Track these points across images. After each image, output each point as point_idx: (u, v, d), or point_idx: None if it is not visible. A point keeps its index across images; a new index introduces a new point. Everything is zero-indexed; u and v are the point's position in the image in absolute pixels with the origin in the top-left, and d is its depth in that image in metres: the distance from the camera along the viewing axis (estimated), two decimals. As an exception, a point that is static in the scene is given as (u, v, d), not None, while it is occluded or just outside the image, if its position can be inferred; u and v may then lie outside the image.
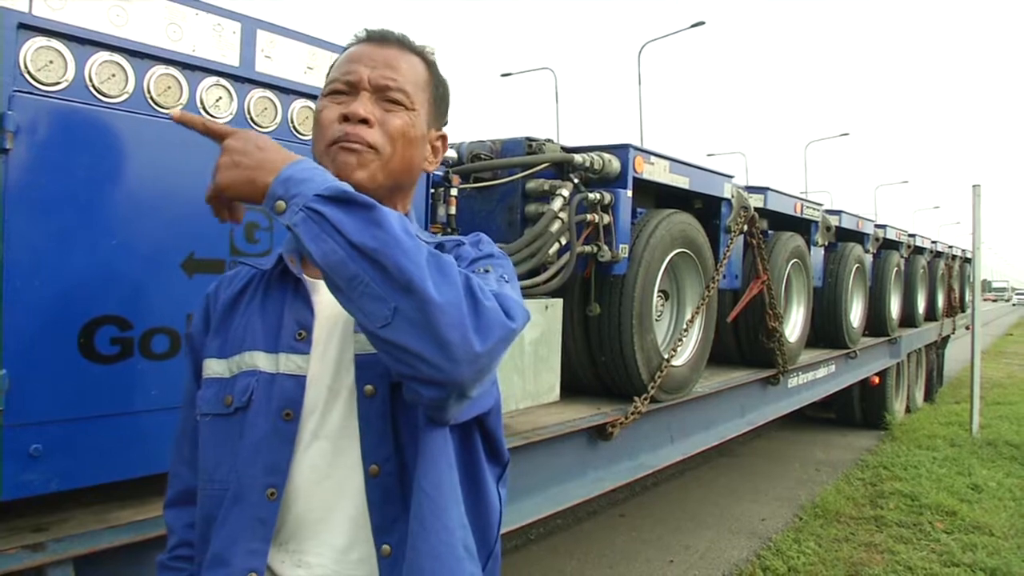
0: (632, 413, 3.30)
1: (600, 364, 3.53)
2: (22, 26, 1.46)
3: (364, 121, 1.08)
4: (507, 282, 1.05)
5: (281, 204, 0.91)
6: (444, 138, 1.24)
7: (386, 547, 1.03)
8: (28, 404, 1.47)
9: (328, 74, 1.17)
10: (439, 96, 1.21)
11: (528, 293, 2.89)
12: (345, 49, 1.18)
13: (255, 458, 1.04)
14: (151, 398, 1.64)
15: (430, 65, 1.19)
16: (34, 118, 1.47)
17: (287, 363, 1.07)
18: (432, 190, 2.57)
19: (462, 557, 1.05)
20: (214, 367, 1.12)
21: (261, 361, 1.08)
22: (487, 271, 1.05)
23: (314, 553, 1.04)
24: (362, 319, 0.89)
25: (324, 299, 0.96)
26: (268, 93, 1.85)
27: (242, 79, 1.80)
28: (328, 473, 1.05)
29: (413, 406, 1.01)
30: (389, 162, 1.10)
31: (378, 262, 0.86)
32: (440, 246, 1.14)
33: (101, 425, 1.58)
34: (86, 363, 1.55)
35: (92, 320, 1.56)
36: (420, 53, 1.18)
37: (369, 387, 1.04)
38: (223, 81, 1.76)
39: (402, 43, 1.16)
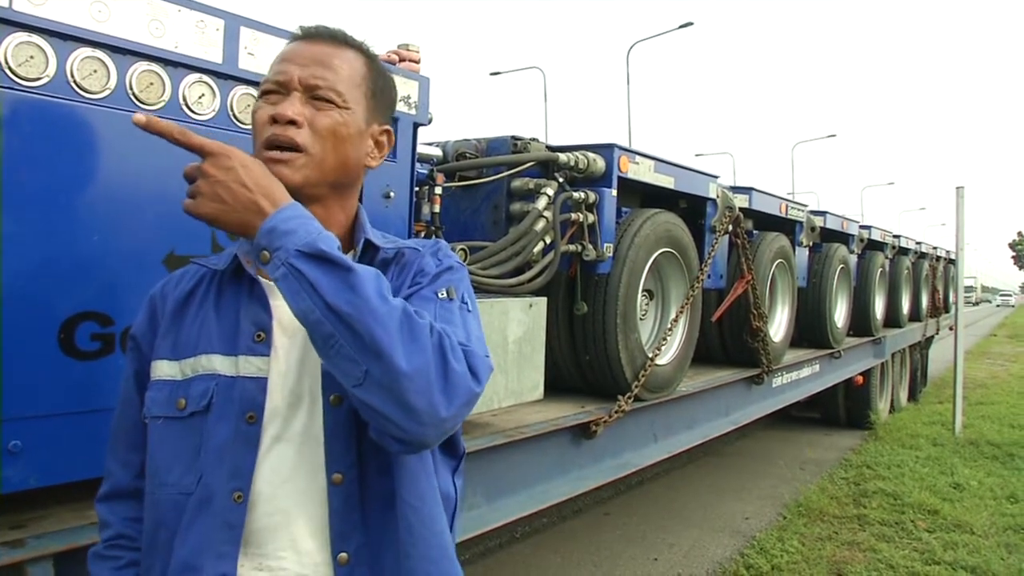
0: (616, 412, 3.31)
1: (584, 363, 3.54)
2: (2, 21, 1.45)
3: (292, 122, 1.07)
4: (469, 311, 1.09)
5: (266, 255, 0.93)
6: (388, 132, 1.21)
7: (343, 555, 1.04)
8: (7, 400, 1.47)
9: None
10: (379, 89, 1.18)
11: (512, 291, 2.90)
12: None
13: (220, 462, 1.04)
14: (132, 394, 1.64)
15: (369, 59, 1.17)
16: (14, 114, 1.47)
17: (247, 366, 1.07)
18: (417, 188, 2.57)
19: (454, 558, 1.13)
20: (165, 369, 1.10)
21: (219, 364, 1.07)
22: (450, 297, 1.07)
23: (276, 557, 1.04)
24: (339, 376, 0.93)
25: (282, 303, 0.96)
26: (251, 90, 1.85)
27: (225, 76, 1.80)
28: (289, 477, 1.05)
29: None
30: (322, 162, 1.08)
31: (351, 327, 0.89)
32: (399, 254, 1.14)
33: (81, 421, 1.57)
34: (66, 359, 1.55)
35: (73, 316, 1.56)
36: (357, 47, 1.16)
37: (334, 397, 1.05)
38: (206, 78, 1.76)
39: (336, 39, 1.14)
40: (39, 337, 1.51)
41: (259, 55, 1.85)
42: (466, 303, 1.09)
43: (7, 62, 1.46)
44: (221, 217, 0.96)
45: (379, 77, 1.19)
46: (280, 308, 1.05)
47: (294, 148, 1.07)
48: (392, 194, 2.22)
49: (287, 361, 1.08)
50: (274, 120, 1.07)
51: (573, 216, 3.24)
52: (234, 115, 1.82)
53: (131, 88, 1.64)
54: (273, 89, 1.10)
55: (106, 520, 1.17)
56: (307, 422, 1.06)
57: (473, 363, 0.97)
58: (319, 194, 1.10)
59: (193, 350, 1.09)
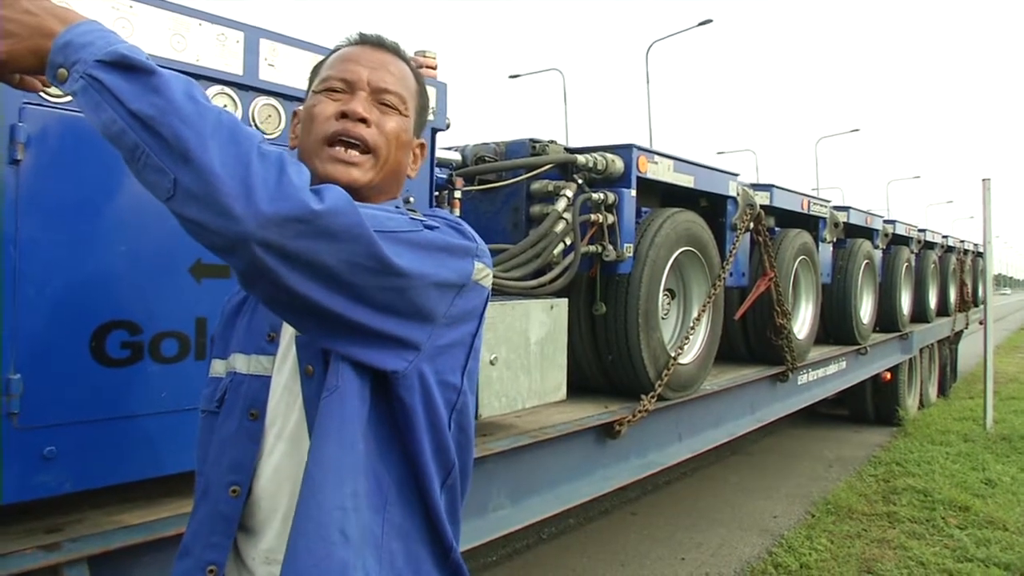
0: (639, 411, 3.31)
1: (607, 363, 3.55)
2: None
3: (363, 120, 1.09)
4: (415, 231, 1.00)
5: (63, 72, 0.87)
6: (423, 146, 1.25)
7: None
8: (42, 407, 1.51)
9: (318, 71, 1.18)
10: (422, 106, 1.23)
11: (533, 293, 2.92)
12: (335, 49, 1.19)
13: (221, 455, 1.09)
14: (161, 401, 1.68)
15: (417, 76, 1.22)
16: (44, 129, 1.51)
17: (255, 364, 1.11)
18: (436, 193, 2.60)
19: (334, 542, 0.97)
20: (215, 367, 1.18)
21: (239, 362, 1.13)
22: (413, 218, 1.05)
23: (282, 551, 1.03)
24: (151, 191, 0.87)
25: None
26: (272, 100, 1.88)
27: (246, 87, 1.83)
28: (288, 474, 1.06)
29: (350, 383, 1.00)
30: (383, 164, 1.11)
31: (155, 131, 0.83)
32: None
33: (113, 427, 1.61)
34: (98, 367, 1.59)
35: (103, 324, 1.59)
36: (409, 62, 1.21)
37: (309, 367, 1.05)
38: (227, 89, 1.80)
39: (396, 51, 1.19)
40: (71, 345, 1.55)
41: (279, 66, 1.88)
42: (432, 227, 1.03)
43: (36, 79, 1.50)
44: (15, 52, 0.89)
45: (424, 93, 1.23)
46: None
47: (364, 146, 1.09)
48: (411, 199, 2.24)
49: (287, 360, 1.10)
50: (343, 115, 1.09)
51: (593, 217, 3.25)
52: (256, 125, 1.85)
53: (155, 101, 1.67)
54: (338, 87, 1.12)
55: None
56: (300, 418, 1.07)
57: (324, 189, 0.90)
58: (367, 196, 1.10)
59: (231, 349, 1.15)
